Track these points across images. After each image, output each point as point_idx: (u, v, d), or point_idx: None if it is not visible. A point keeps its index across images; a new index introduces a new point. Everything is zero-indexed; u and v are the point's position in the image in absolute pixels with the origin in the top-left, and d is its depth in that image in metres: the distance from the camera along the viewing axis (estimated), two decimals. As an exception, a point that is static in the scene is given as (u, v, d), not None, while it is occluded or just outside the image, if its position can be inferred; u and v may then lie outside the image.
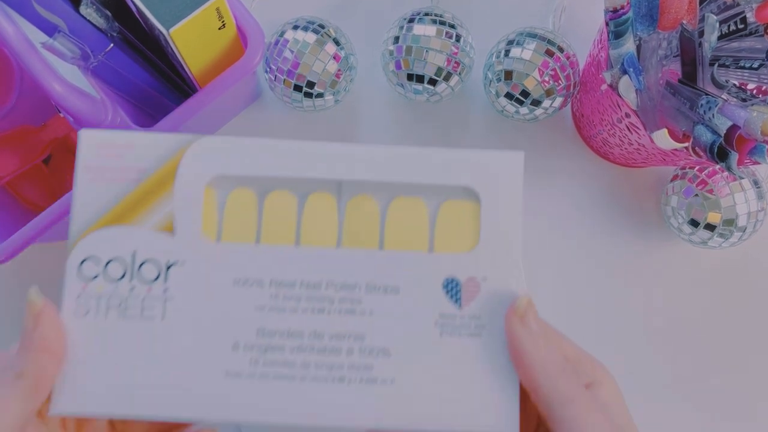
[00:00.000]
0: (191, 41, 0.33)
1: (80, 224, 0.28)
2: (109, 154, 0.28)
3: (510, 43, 0.41)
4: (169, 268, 0.28)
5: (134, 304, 0.28)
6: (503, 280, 0.28)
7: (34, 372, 0.26)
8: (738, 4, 0.35)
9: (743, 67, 0.35)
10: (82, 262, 0.28)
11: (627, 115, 0.35)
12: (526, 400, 0.27)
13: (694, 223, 0.40)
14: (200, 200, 0.28)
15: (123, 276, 0.28)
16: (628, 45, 0.34)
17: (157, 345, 0.27)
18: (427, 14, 0.41)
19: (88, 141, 0.28)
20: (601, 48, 0.36)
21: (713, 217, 0.39)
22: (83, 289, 0.28)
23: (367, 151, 0.28)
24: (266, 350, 0.27)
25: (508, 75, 0.40)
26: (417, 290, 0.28)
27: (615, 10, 0.33)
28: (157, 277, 0.28)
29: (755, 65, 0.35)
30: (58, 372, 0.27)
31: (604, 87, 0.36)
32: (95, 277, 0.28)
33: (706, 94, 0.33)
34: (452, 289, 0.28)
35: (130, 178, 0.28)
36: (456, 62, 0.40)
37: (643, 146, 0.37)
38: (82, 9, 0.32)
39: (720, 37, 0.36)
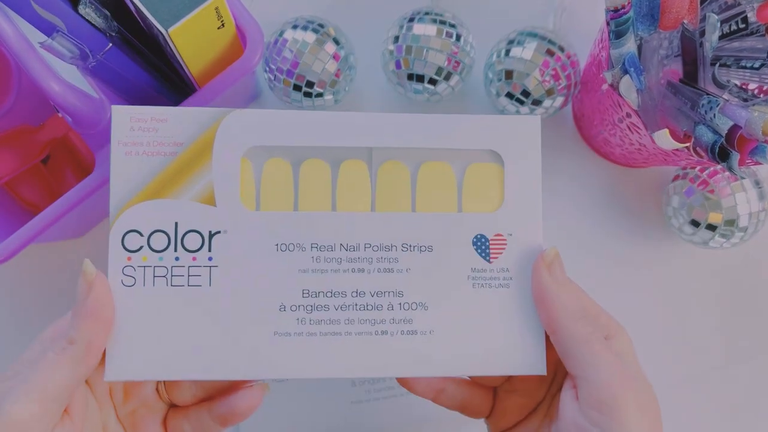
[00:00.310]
0: (190, 41, 0.32)
1: (119, 198, 0.29)
2: (143, 128, 0.29)
3: (510, 42, 0.40)
4: (212, 236, 0.29)
5: (180, 273, 0.29)
6: (527, 236, 0.31)
7: (86, 338, 0.27)
8: (739, 4, 0.35)
9: (744, 67, 0.35)
10: (125, 234, 0.29)
11: (628, 115, 0.35)
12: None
13: (695, 224, 0.40)
14: (237, 171, 0.29)
15: (167, 246, 0.29)
16: (629, 45, 0.34)
17: (206, 310, 0.29)
18: (427, 14, 0.41)
19: (120, 115, 0.29)
20: (602, 48, 0.36)
21: (714, 218, 0.39)
22: (128, 261, 0.29)
23: (395, 119, 0.30)
24: (312, 310, 0.29)
25: (509, 74, 0.40)
26: (449, 247, 0.30)
27: (616, 10, 0.33)
28: (201, 246, 0.29)
29: (756, 65, 0.35)
30: (108, 339, 0.28)
31: (605, 87, 0.36)
32: (140, 248, 0.29)
33: (708, 94, 0.33)
34: (481, 245, 0.30)
35: (166, 151, 0.29)
36: (456, 62, 0.40)
37: (644, 146, 0.37)
38: (81, 9, 0.32)
39: (721, 37, 0.36)
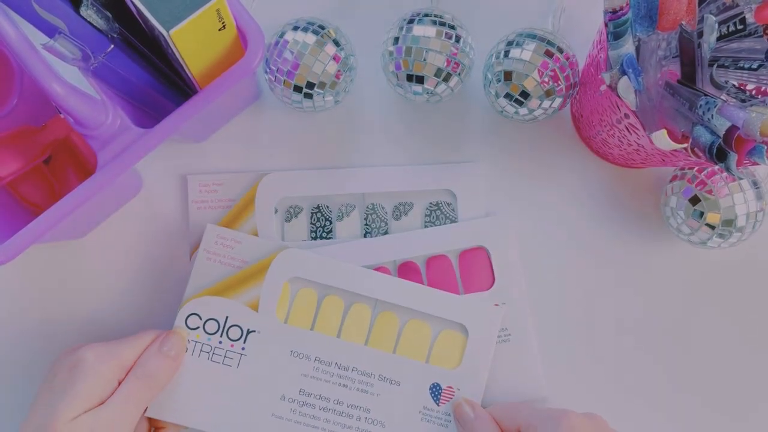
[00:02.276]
0: (191, 42, 0.33)
1: (193, 289, 0.41)
2: (225, 245, 0.42)
3: (509, 43, 0.41)
4: (249, 333, 0.40)
5: (220, 353, 0.40)
6: (471, 392, 0.41)
7: (161, 375, 0.37)
8: (737, 5, 0.35)
9: (742, 68, 0.35)
10: (189, 315, 0.40)
11: (626, 116, 0.35)
12: None
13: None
14: (279, 291, 0.41)
15: (216, 332, 0.40)
16: (628, 46, 0.34)
17: (230, 385, 0.40)
18: (426, 15, 0.41)
19: (212, 232, 0.42)
20: (601, 49, 0.36)
21: (712, 218, 0.39)
22: (187, 336, 0.40)
23: (400, 284, 0.42)
24: (303, 404, 0.40)
25: (508, 75, 0.40)
26: (412, 386, 0.41)
27: (614, 11, 0.33)
28: (240, 338, 0.40)
29: (754, 66, 0.35)
30: (172, 379, 0.39)
31: (603, 88, 0.37)
32: (197, 328, 0.40)
33: (705, 95, 0.33)
34: (436, 391, 0.41)
35: (235, 264, 0.41)
36: (456, 63, 0.40)
37: (642, 147, 0.37)
38: (83, 10, 0.32)
39: (719, 38, 0.36)
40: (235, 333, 0.40)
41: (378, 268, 0.43)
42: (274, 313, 0.41)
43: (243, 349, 0.40)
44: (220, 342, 0.40)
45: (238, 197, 0.44)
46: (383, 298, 0.41)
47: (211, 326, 0.40)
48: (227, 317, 0.40)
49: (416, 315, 0.41)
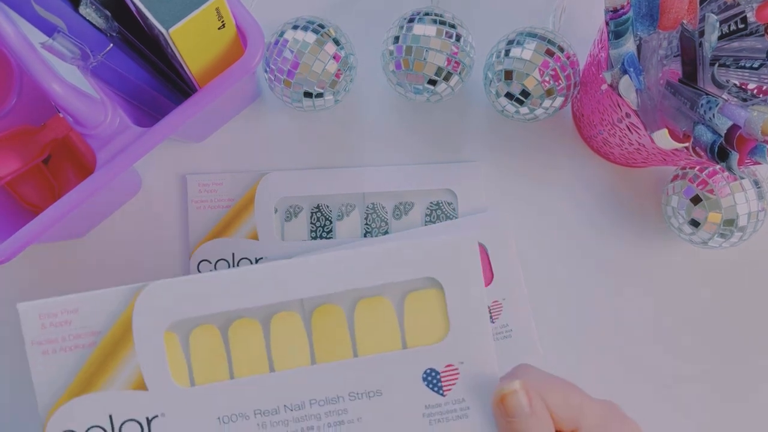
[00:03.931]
0: (191, 41, 0.33)
1: (47, 400, 0.28)
2: (55, 323, 0.28)
3: (510, 42, 0.40)
4: (150, 422, 0.28)
5: None
6: (482, 361, 0.29)
7: None
8: (738, 4, 0.35)
9: (743, 67, 0.35)
10: None
11: (627, 115, 0.35)
12: None
13: (695, 223, 0.40)
14: (163, 348, 0.28)
15: None
16: (629, 45, 0.34)
17: None
18: (427, 14, 0.41)
19: (28, 315, 0.28)
20: (602, 48, 0.36)
21: (714, 217, 0.39)
22: None
23: (319, 263, 0.28)
24: None
25: (509, 75, 0.40)
26: (399, 388, 0.28)
27: (615, 10, 0.33)
28: None
29: (755, 65, 0.35)
30: None
31: (604, 87, 0.36)
32: None
33: (707, 94, 0.33)
34: (432, 379, 0.29)
35: (84, 343, 0.28)
36: (456, 62, 0.40)
37: (644, 146, 0.37)
38: (82, 9, 0.32)
39: (720, 37, 0.36)
40: (132, 430, 0.28)
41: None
42: (171, 379, 0.28)
43: None
44: None
45: (238, 197, 0.44)
46: (308, 293, 0.28)
47: None
48: (111, 416, 0.28)
49: (363, 292, 0.29)
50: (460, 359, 0.29)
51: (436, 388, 0.29)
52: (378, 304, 0.29)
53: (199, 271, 0.30)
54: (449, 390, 0.29)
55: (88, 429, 0.27)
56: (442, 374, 0.29)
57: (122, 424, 0.28)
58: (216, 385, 0.28)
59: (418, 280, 0.29)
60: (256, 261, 0.40)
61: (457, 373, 0.29)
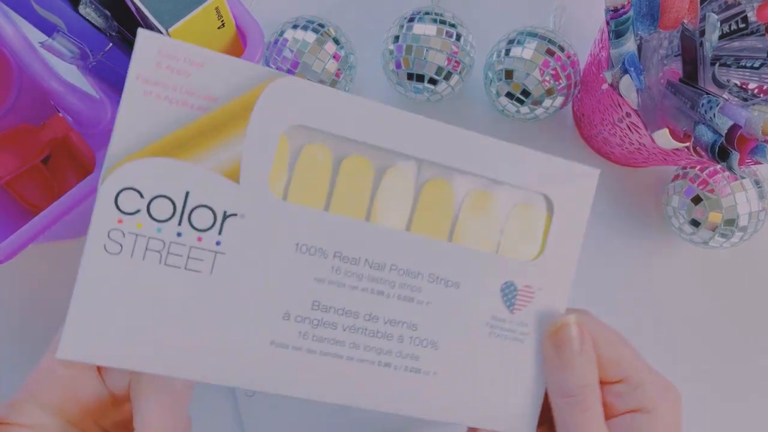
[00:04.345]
0: (190, 41, 0.32)
1: (124, 146, 0.23)
2: (173, 68, 0.23)
3: (510, 42, 0.40)
4: (226, 218, 0.24)
5: (179, 252, 0.24)
6: (555, 294, 0.28)
7: None
8: (739, 4, 0.35)
9: (744, 67, 0.35)
10: (121, 191, 0.23)
11: (628, 115, 0.35)
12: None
13: (695, 223, 0.40)
14: (273, 149, 0.24)
15: (171, 217, 0.24)
16: (629, 44, 0.34)
17: (200, 301, 0.24)
18: (427, 13, 0.41)
19: (147, 44, 0.23)
20: (602, 47, 0.36)
21: (714, 217, 0.39)
22: (118, 224, 0.23)
23: (454, 135, 0.27)
24: (318, 325, 0.25)
25: (509, 74, 0.40)
26: (476, 289, 0.27)
27: (616, 10, 0.33)
28: (212, 226, 0.24)
29: (756, 65, 0.35)
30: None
31: (604, 86, 0.36)
32: (136, 212, 0.23)
33: (707, 94, 0.33)
34: (509, 293, 0.28)
35: (195, 104, 0.24)
36: (456, 61, 0.40)
37: (644, 146, 0.37)
38: (81, 8, 0.32)
39: (721, 37, 0.36)
40: (202, 218, 0.24)
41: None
42: (266, 183, 0.25)
43: (218, 244, 0.24)
44: (179, 234, 0.24)
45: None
46: (432, 156, 0.26)
47: (162, 208, 0.24)
48: (188, 192, 0.24)
49: (480, 183, 0.27)
50: (540, 285, 0.28)
51: (508, 303, 0.28)
52: (488, 202, 0.27)
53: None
54: (519, 310, 0.28)
55: (156, 197, 0.24)
56: (519, 292, 0.28)
57: (195, 208, 0.24)
58: (308, 209, 0.25)
59: (533, 194, 0.28)
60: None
61: (532, 297, 0.28)
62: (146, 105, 0.23)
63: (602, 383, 0.27)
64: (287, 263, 0.25)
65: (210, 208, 0.24)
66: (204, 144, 0.24)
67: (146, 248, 0.24)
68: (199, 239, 0.24)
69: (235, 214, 0.24)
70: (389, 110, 0.25)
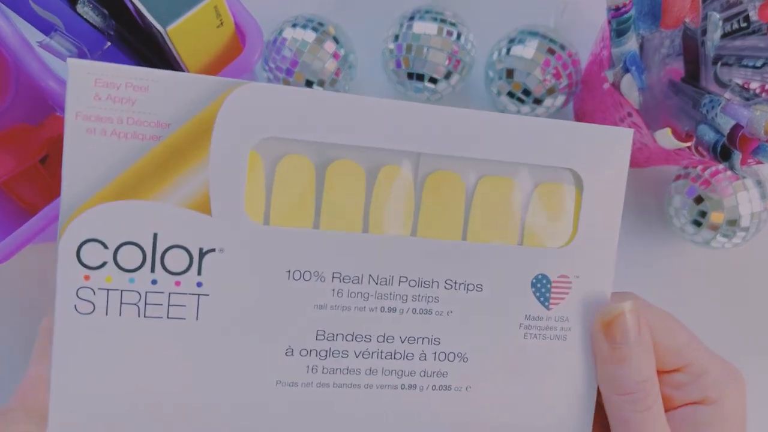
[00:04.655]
0: (189, 39, 0.32)
1: (76, 194, 0.21)
2: (115, 98, 0.20)
3: (511, 41, 0.40)
4: (203, 256, 0.22)
5: (158, 301, 0.21)
6: (596, 280, 0.24)
7: None
8: (741, 3, 0.35)
9: (746, 66, 0.35)
10: (82, 245, 0.21)
11: (629, 114, 0.35)
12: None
13: (697, 224, 0.40)
14: (243, 169, 0.21)
15: (141, 265, 0.21)
16: (631, 43, 0.34)
17: (190, 352, 0.22)
18: (427, 12, 0.40)
19: (80, 74, 0.20)
20: (603, 46, 0.36)
21: (716, 218, 0.39)
22: (85, 281, 0.22)
23: (453, 114, 0.22)
24: (327, 356, 0.23)
25: (510, 73, 0.40)
26: (502, 288, 0.24)
27: (617, 8, 0.33)
28: (188, 268, 0.21)
29: (758, 64, 0.34)
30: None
31: (606, 86, 0.36)
32: (102, 264, 0.21)
33: (709, 93, 0.33)
34: (542, 287, 0.24)
35: (146, 134, 0.21)
36: (457, 60, 0.40)
37: (646, 145, 0.37)
38: (79, 7, 0.32)
39: (723, 36, 0.36)
40: (177, 260, 0.21)
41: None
42: (242, 209, 0.22)
43: (199, 285, 0.22)
44: (154, 282, 0.21)
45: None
46: (431, 148, 0.22)
47: (130, 256, 0.21)
48: (156, 235, 0.21)
49: (491, 167, 0.23)
50: (576, 272, 0.24)
51: (542, 299, 0.24)
52: (503, 188, 0.24)
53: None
54: (556, 304, 0.24)
55: (121, 244, 0.21)
56: (553, 284, 0.24)
57: (167, 250, 0.21)
58: (295, 231, 0.22)
59: (556, 169, 0.24)
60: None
61: (570, 287, 0.24)
62: (92, 144, 0.20)
63: (659, 373, 0.24)
64: (281, 294, 0.22)
65: (184, 248, 0.21)
66: (164, 177, 0.21)
67: (121, 302, 0.21)
68: (177, 283, 0.21)
69: (213, 250, 0.22)
70: (371, 102, 0.22)
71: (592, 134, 0.23)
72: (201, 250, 0.21)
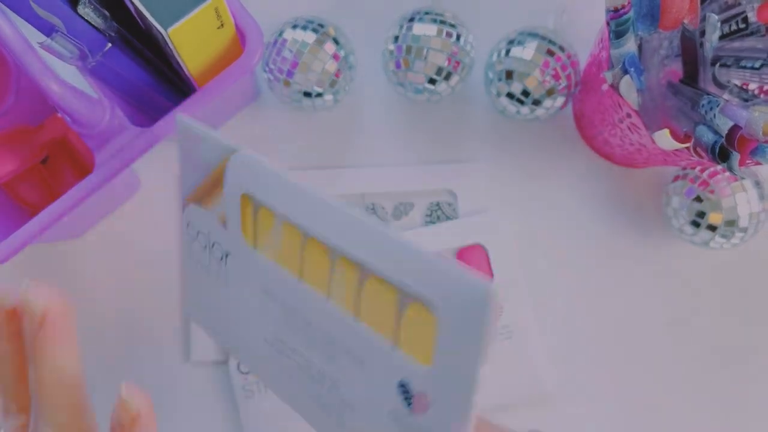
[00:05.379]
0: (189, 41, 0.32)
1: (187, 187, 0.31)
2: (195, 138, 0.30)
3: (511, 42, 0.40)
4: (226, 256, 0.31)
5: (216, 269, 0.31)
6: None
7: None
8: (739, 4, 0.35)
9: (745, 67, 0.35)
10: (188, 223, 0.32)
11: (628, 115, 0.35)
12: None
13: (696, 224, 0.40)
14: (237, 207, 0.30)
15: (205, 247, 0.32)
16: (630, 45, 0.34)
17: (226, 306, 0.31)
18: (427, 13, 0.41)
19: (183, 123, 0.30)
20: (602, 48, 0.36)
21: (715, 218, 0.39)
22: (195, 239, 0.32)
23: (354, 220, 0.25)
24: (281, 352, 0.29)
25: (509, 74, 0.40)
26: (377, 373, 0.25)
27: (616, 10, 0.33)
28: (222, 258, 0.31)
29: (757, 65, 0.35)
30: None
31: (605, 87, 0.36)
32: (198, 235, 0.32)
33: (708, 94, 0.33)
34: (406, 392, 0.25)
35: (204, 166, 0.31)
36: (456, 62, 0.40)
37: (645, 146, 0.37)
38: (80, 9, 0.32)
39: (721, 37, 0.36)
40: (218, 251, 0.31)
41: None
42: (240, 232, 0.30)
43: (227, 273, 0.31)
44: (213, 257, 0.32)
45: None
46: (335, 239, 0.25)
47: (203, 240, 0.32)
48: (209, 233, 0.31)
49: (377, 271, 0.25)
50: (435, 394, 0.24)
51: (407, 403, 0.25)
52: (384, 292, 0.26)
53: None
54: (419, 412, 0.25)
55: (198, 233, 0.32)
56: (415, 397, 0.24)
57: (213, 244, 0.31)
58: (266, 260, 0.29)
59: (420, 295, 0.24)
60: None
61: (428, 407, 0.24)
62: (188, 163, 0.31)
63: None
64: (259, 299, 0.29)
65: (219, 246, 0.31)
66: (210, 196, 0.31)
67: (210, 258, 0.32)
68: (220, 266, 0.31)
69: (229, 253, 0.30)
70: (309, 189, 0.27)
71: (455, 275, 0.22)
72: (225, 251, 0.31)
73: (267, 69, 0.41)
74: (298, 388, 0.29)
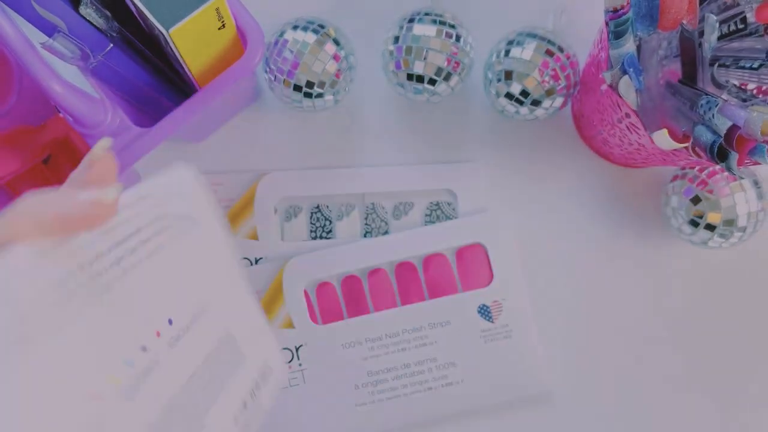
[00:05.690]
0: (191, 41, 0.33)
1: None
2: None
3: (510, 43, 0.40)
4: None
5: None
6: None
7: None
8: (738, 4, 0.35)
9: (743, 67, 0.35)
10: None
11: (627, 115, 0.35)
12: None
13: (695, 224, 0.40)
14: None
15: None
16: (628, 45, 0.34)
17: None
18: (427, 14, 0.41)
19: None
20: (601, 48, 0.36)
21: (713, 218, 0.39)
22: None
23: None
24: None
25: (509, 75, 0.40)
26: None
27: (615, 10, 0.33)
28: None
29: (755, 65, 0.35)
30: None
31: (604, 87, 0.36)
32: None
33: (706, 94, 0.33)
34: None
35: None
36: (456, 62, 0.40)
37: (643, 146, 0.37)
38: (82, 9, 0.32)
39: (720, 37, 0.36)
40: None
41: (374, 270, 0.43)
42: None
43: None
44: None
45: (238, 197, 0.44)
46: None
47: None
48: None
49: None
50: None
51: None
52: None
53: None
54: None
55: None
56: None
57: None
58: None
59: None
60: (256, 261, 0.43)
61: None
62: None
63: None
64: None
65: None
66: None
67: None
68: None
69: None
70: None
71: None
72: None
73: (268, 69, 0.41)
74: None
